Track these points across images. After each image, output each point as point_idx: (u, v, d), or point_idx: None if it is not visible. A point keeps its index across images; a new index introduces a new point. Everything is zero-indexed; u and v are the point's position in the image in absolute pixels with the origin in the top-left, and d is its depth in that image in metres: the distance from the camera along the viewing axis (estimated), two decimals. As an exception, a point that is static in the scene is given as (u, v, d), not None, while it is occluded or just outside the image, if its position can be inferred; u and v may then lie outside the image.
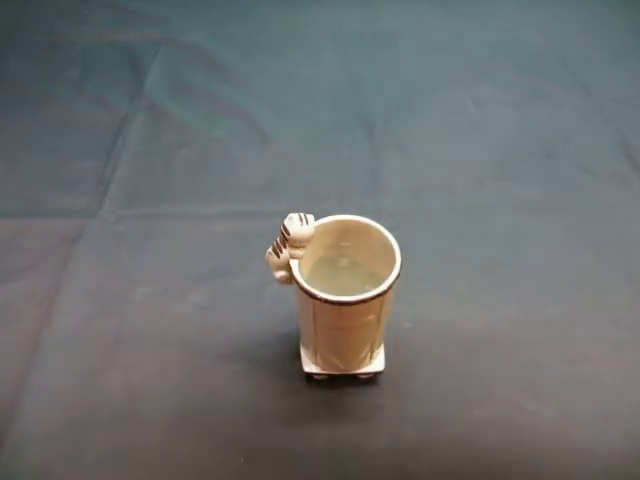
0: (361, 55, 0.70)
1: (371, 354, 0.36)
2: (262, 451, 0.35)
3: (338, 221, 0.33)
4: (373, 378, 0.38)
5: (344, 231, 0.33)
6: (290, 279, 0.30)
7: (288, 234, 0.30)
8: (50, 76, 0.66)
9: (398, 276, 0.30)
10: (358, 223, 0.33)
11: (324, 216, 0.33)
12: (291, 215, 0.30)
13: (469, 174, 0.54)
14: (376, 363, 0.37)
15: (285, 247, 0.30)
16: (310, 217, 0.30)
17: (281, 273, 0.31)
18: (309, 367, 0.37)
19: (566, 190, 0.53)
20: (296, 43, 0.72)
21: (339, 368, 0.37)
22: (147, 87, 0.64)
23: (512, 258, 0.46)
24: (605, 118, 0.60)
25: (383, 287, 0.29)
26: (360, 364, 0.36)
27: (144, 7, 0.77)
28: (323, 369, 0.36)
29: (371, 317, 0.31)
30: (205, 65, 0.68)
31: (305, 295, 0.30)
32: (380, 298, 0.30)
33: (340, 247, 0.34)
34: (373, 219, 0.33)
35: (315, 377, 0.37)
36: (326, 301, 0.29)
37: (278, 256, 0.30)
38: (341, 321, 0.32)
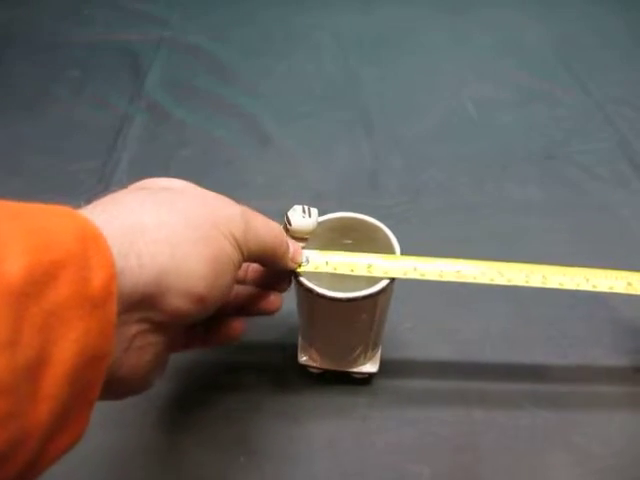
0: (361, 55, 0.70)
1: (365, 354, 0.36)
2: (262, 450, 0.35)
3: (340, 218, 0.33)
4: (368, 378, 0.38)
5: (346, 229, 0.33)
6: (292, 264, 0.31)
7: (290, 225, 0.30)
8: (50, 76, 0.66)
9: (394, 279, 0.30)
10: (360, 221, 0.33)
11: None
12: (295, 207, 0.31)
13: (469, 174, 0.54)
14: (370, 364, 0.37)
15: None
16: (314, 210, 0.31)
17: None
18: (304, 359, 0.37)
19: (566, 190, 0.53)
20: (296, 44, 0.72)
21: (332, 364, 0.37)
22: (147, 87, 0.64)
23: (511, 258, 0.46)
24: (605, 118, 0.60)
25: (375, 288, 0.29)
26: (354, 363, 0.36)
27: (144, 7, 0.77)
28: (318, 363, 0.37)
29: (364, 317, 0.32)
30: (205, 65, 0.68)
31: (301, 288, 0.30)
32: (373, 299, 0.30)
33: (342, 245, 0.34)
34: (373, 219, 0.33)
35: (310, 370, 0.37)
36: (319, 296, 0.29)
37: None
38: (333, 318, 0.32)
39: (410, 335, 0.41)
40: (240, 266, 0.25)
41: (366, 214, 0.33)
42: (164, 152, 0.56)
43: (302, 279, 0.30)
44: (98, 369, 0.18)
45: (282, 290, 0.31)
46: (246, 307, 0.31)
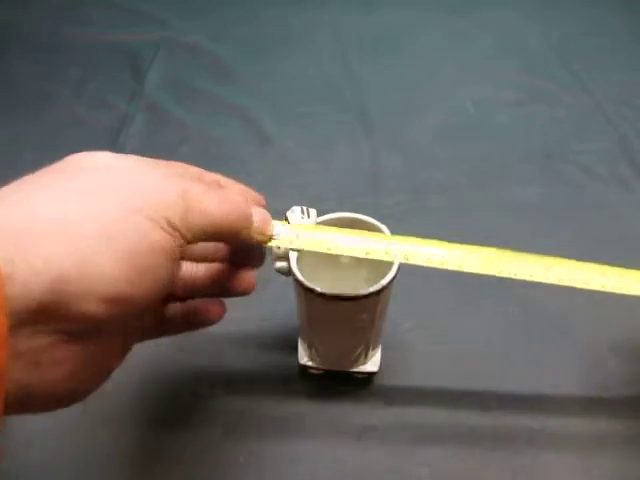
0: (361, 55, 0.70)
1: (366, 354, 0.36)
2: (261, 451, 0.35)
3: (339, 218, 0.33)
4: (369, 378, 0.38)
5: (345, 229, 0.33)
6: (289, 270, 0.31)
7: None
8: (50, 76, 0.66)
9: (394, 278, 0.30)
10: (359, 221, 0.33)
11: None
12: (294, 208, 0.30)
13: (469, 174, 0.54)
14: (371, 364, 0.37)
15: None
16: (312, 211, 0.31)
17: (281, 264, 0.31)
18: (304, 360, 0.37)
19: (566, 190, 0.53)
20: (296, 43, 0.72)
21: (332, 364, 0.37)
22: (147, 87, 0.64)
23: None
24: (605, 118, 0.60)
25: (377, 287, 0.29)
26: (354, 363, 0.36)
27: (144, 7, 0.77)
28: (318, 364, 0.37)
29: (365, 316, 0.32)
30: (205, 65, 0.68)
31: (300, 288, 0.30)
32: (374, 298, 0.30)
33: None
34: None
35: (310, 371, 0.37)
36: (319, 295, 0.29)
37: (278, 247, 0.29)
38: (334, 317, 0.32)
39: (410, 334, 0.41)
40: (180, 252, 0.22)
41: (366, 214, 0.33)
42: (164, 152, 0.56)
43: (302, 279, 0.30)
44: None
45: (255, 266, 0.29)
46: (220, 287, 0.28)
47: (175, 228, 0.21)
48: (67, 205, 0.19)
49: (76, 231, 0.18)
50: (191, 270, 0.28)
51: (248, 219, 0.25)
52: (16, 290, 0.17)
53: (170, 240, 0.21)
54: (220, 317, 0.28)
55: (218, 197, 0.24)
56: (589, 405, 0.37)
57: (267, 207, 0.30)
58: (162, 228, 0.20)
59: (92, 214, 0.19)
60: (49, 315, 0.18)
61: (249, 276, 0.28)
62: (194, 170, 0.29)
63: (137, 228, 0.20)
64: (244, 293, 0.29)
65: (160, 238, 0.20)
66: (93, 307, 0.19)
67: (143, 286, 0.20)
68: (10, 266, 0.17)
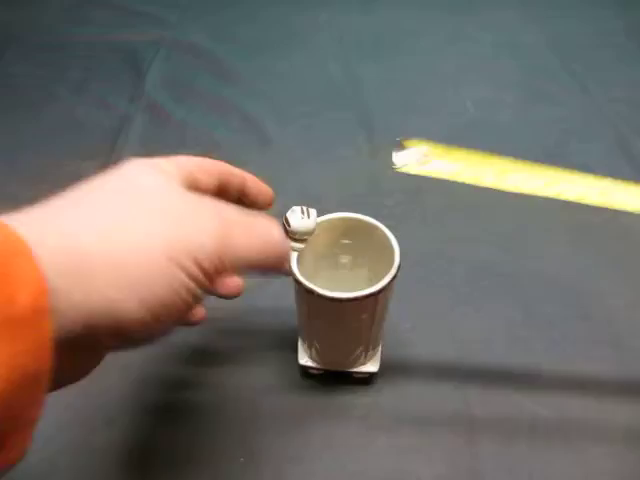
0: (361, 55, 0.70)
1: (365, 354, 0.36)
2: (261, 451, 0.35)
3: (339, 218, 0.33)
4: (368, 378, 0.38)
5: (345, 229, 0.33)
6: (289, 270, 0.31)
7: (289, 226, 0.30)
8: (50, 76, 0.66)
9: (394, 278, 0.30)
10: (359, 221, 0.33)
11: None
12: (294, 208, 0.30)
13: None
14: (371, 364, 0.37)
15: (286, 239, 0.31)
16: (312, 211, 0.31)
17: None
18: (304, 360, 0.37)
19: (566, 190, 0.53)
20: (296, 43, 0.72)
21: (332, 364, 0.37)
22: (147, 87, 0.64)
23: (512, 258, 0.46)
24: (605, 118, 0.60)
25: (377, 287, 0.30)
26: (354, 363, 0.36)
27: (144, 7, 0.77)
28: (318, 364, 0.37)
29: (364, 316, 0.32)
30: (205, 65, 0.68)
31: (300, 288, 0.30)
32: (374, 298, 0.30)
33: (341, 245, 0.34)
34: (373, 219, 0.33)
35: (310, 371, 0.37)
36: (319, 296, 0.29)
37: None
38: (334, 318, 0.32)
39: (410, 335, 0.41)
40: (204, 287, 0.22)
41: (366, 214, 0.34)
42: (164, 152, 0.55)
43: (302, 280, 0.30)
44: (35, 390, 0.17)
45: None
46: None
47: (203, 269, 0.21)
48: (110, 240, 0.20)
49: (113, 271, 0.19)
50: None
51: (276, 258, 0.25)
52: (60, 304, 0.18)
53: (193, 287, 0.21)
54: (201, 320, 0.28)
55: (248, 236, 0.23)
56: (590, 405, 0.37)
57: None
58: (189, 273, 0.20)
59: (127, 254, 0.20)
60: (82, 344, 0.19)
61: (235, 280, 0.26)
62: (224, 168, 0.30)
63: (165, 278, 0.20)
64: (230, 296, 0.26)
65: (183, 285, 0.20)
66: (112, 341, 0.20)
67: (156, 331, 0.21)
68: (56, 298, 0.17)
